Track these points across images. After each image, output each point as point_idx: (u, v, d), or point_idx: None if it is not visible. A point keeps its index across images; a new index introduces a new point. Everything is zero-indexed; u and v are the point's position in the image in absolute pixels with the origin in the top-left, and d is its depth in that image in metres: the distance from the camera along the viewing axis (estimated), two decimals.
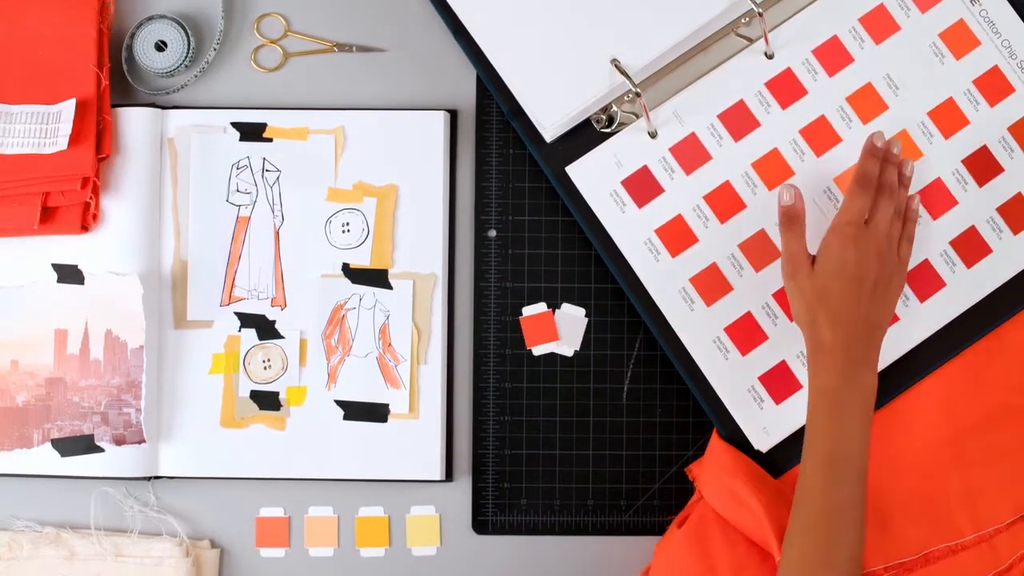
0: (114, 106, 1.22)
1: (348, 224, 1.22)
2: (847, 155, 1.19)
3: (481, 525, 1.21)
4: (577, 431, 1.21)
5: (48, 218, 1.19)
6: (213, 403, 1.21)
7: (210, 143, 1.22)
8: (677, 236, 1.19)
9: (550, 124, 1.18)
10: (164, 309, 1.21)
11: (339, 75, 1.24)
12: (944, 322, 1.18)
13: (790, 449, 1.18)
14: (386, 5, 1.25)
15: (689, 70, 1.20)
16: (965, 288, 1.18)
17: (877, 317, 1.10)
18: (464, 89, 1.24)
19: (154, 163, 1.22)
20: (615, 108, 1.20)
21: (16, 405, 1.19)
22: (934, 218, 1.19)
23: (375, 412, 1.20)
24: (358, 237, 1.22)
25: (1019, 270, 1.18)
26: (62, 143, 1.17)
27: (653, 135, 1.20)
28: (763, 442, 1.18)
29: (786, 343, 1.18)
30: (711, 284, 1.19)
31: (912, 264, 1.18)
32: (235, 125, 1.23)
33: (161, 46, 1.23)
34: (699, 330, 1.18)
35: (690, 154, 1.20)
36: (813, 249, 1.12)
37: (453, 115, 1.23)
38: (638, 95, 1.17)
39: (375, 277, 1.21)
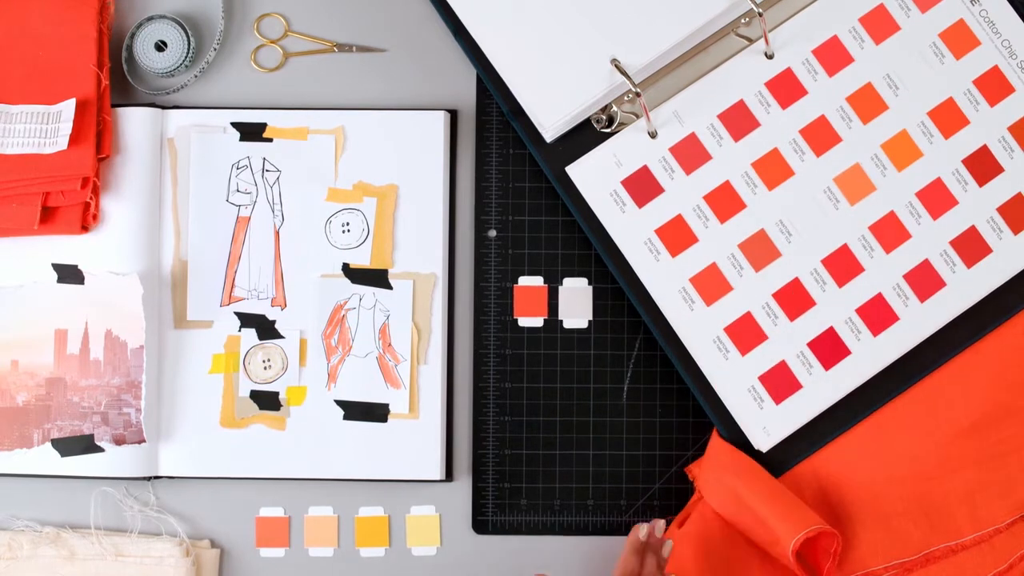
0: (114, 106, 1.22)
1: (348, 224, 1.22)
2: (847, 155, 1.19)
3: (481, 525, 1.21)
4: (577, 431, 1.21)
5: (48, 218, 1.19)
6: (213, 403, 1.21)
7: (210, 143, 1.22)
8: (677, 236, 1.19)
9: (550, 124, 1.18)
10: (164, 309, 1.21)
11: (339, 75, 1.24)
12: (944, 322, 1.18)
13: (790, 449, 1.18)
14: (386, 5, 1.25)
15: (689, 70, 1.20)
16: (965, 288, 1.18)
17: None
18: (464, 89, 1.24)
19: (154, 163, 1.22)
20: (615, 108, 1.20)
21: (16, 405, 1.19)
22: (934, 218, 1.19)
23: (375, 412, 1.20)
24: (358, 237, 1.22)
25: (1019, 270, 1.18)
26: (62, 143, 1.17)
27: (653, 135, 1.20)
28: (763, 442, 1.18)
29: (786, 343, 1.18)
30: (711, 284, 1.19)
31: (912, 264, 1.18)
32: (235, 125, 1.23)
33: (161, 46, 1.23)
34: (699, 330, 1.18)
35: (690, 154, 1.19)
36: None
37: (453, 115, 1.23)
38: (638, 95, 1.17)
39: (375, 277, 1.21)
